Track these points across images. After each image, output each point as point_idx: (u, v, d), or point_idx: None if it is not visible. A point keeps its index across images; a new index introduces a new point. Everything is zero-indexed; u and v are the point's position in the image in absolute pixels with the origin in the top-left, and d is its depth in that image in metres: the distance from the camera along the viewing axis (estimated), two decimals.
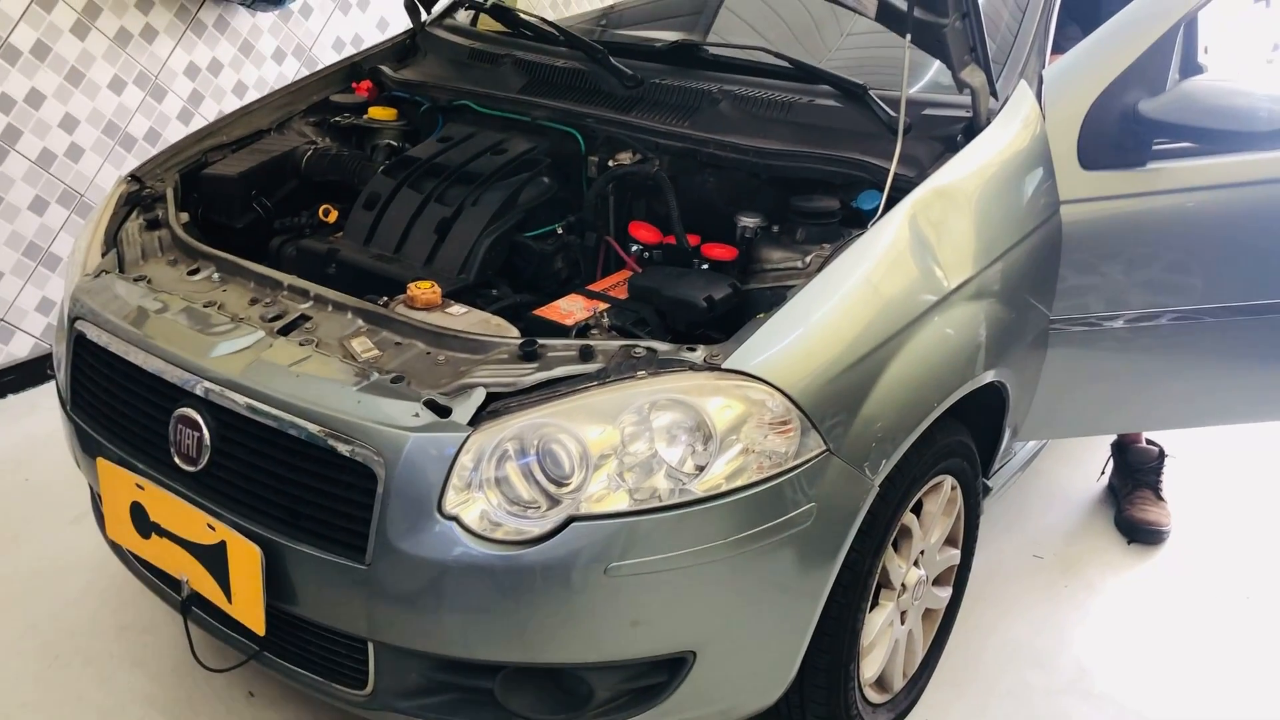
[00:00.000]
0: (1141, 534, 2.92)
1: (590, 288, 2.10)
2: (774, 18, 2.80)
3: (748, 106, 2.26)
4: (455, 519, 1.61)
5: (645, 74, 2.41)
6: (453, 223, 2.17)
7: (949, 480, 2.16)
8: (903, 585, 2.10)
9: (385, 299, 1.94)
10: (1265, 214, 2.25)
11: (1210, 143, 2.21)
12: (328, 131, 2.66)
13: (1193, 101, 2.14)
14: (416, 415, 1.64)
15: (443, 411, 1.64)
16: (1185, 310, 2.29)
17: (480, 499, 1.62)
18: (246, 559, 1.76)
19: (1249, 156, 2.22)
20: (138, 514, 1.93)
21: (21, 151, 3.38)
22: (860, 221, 2.01)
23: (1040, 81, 2.17)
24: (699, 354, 1.69)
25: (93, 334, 2.02)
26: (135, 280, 2.07)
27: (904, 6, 1.93)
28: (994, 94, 2.06)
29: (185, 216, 2.27)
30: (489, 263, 2.15)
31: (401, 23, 4.01)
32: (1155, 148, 2.20)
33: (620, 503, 1.61)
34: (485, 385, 1.67)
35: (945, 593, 2.33)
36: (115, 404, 1.99)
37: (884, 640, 2.12)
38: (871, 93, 2.14)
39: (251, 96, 3.87)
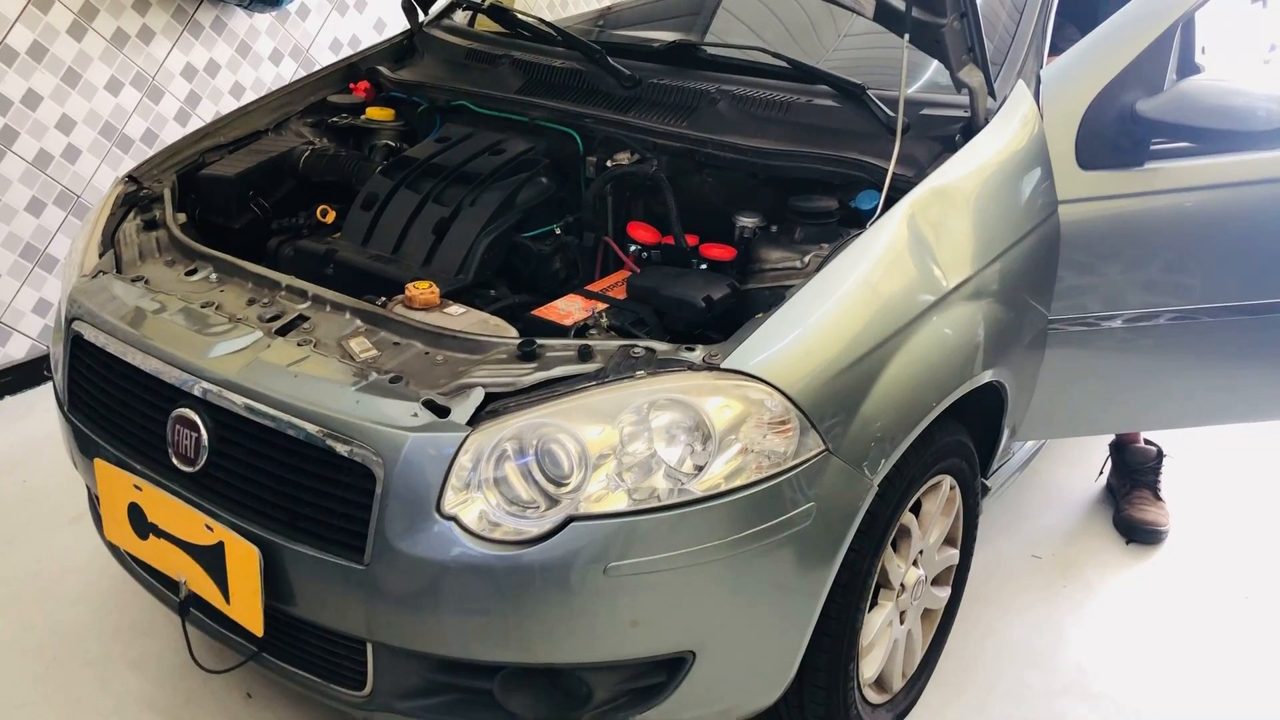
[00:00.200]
0: (1140, 534, 2.92)
1: (589, 288, 2.10)
2: (771, 18, 2.81)
3: (746, 106, 2.26)
4: (454, 519, 1.61)
5: (643, 74, 2.41)
6: (451, 223, 2.17)
7: (948, 480, 2.15)
8: (902, 585, 2.10)
9: (383, 299, 1.94)
10: (1263, 214, 2.25)
11: (1208, 142, 2.21)
12: (325, 132, 2.66)
13: (1190, 101, 2.14)
14: (415, 415, 1.63)
15: (441, 411, 1.64)
16: (1183, 310, 2.30)
17: (479, 499, 1.62)
18: (245, 560, 1.75)
19: (1246, 156, 2.22)
20: (135, 515, 1.93)
21: (18, 153, 3.37)
22: (859, 221, 2.01)
23: (1038, 81, 2.17)
24: (698, 354, 1.69)
25: (90, 334, 2.01)
26: (133, 281, 2.06)
27: (902, 6, 1.94)
28: (992, 94, 2.07)
29: (183, 217, 2.27)
30: (487, 263, 2.14)
31: (399, 24, 4.02)
32: (1153, 148, 2.20)
33: (619, 503, 1.61)
34: (484, 385, 1.67)
35: (944, 593, 2.33)
36: (113, 405, 1.98)
37: (883, 640, 2.11)
38: (869, 93, 2.15)
39: (249, 98, 3.85)
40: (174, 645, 2.40)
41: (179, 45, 3.72)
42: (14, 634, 2.45)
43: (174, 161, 2.45)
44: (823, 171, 2.11)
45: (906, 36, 1.95)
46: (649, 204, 2.32)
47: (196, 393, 1.81)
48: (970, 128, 2.08)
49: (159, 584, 2.06)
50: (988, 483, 2.39)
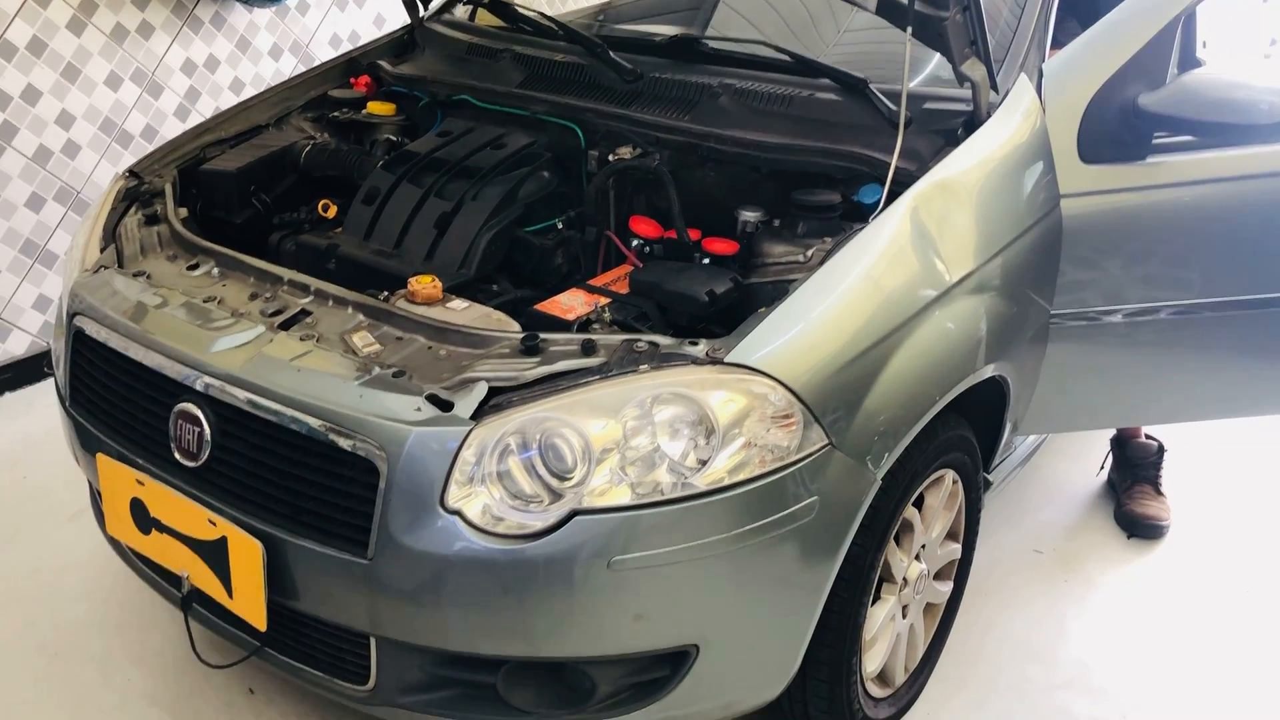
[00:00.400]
0: (1141, 529, 2.92)
1: (591, 282, 2.09)
2: (772, 12, 2.80)
3: (748, 100, 2.26)
4: (458, 513, 1.61)
5: (645, 68, 2.40)
6: (453, 217, 2.16)
7: (950, 474, 2.16)
8: (904, 579, 2.10)
9: (386, 294, 1.94)
10: (1265, 208, 2.25)
11: (1210, 136, 2.20)
12: (326, 127, 2.66)
13: (1192, 95, 2.14)
14: (418, 410, 1.63)
15: (445, 406, 1.64)
16: (1184, 304, 2.30)
17: (483, 493, 1.62)
18: (248, 554, 1.75)
19: (1249, 150, 2.22)
20: (138, 510, 1.92)
21: (18, 148, 3.37)
22: (861, 215, 2.01)
23: (1040, 75, 2.17)
24: (701, 348, 1.69)
25: (92, 329, 2.01)
26: (134, 275, 2.06)
27: (905, 0, 1.93)
28: (994, 88, 2.06)
29: (184, 212, 2.26)
30: (489, 258, 2.14)
31: (398, 19, 4.01)
32: (1155, 141, 2.20)
33: (622, 497, 1.61)
34: (487, 380, 1.67)
35: (946, 587, 2.33)
36: (115, 400, 1.98)
37: (886, 634, 2.11)
38: (872, 86, 2.14)
39: (248, 93, 3.85)
40: (176, 640, 2.40)
41: (179, 40, 3.72)
42: (15, 630, 2.45)
43: (175, 156, 2.45)
44: (825, 165, 2.11)
45: (909, 30, 1.95)
46: (651, 198, 2.32)
47: (199, 387, 1.80)
48: (972, 121, 2.08)
49: (161, 579, 2.06)
50: (990, 477, 2.39)
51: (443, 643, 1.70)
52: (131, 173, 2.40)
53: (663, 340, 1.72)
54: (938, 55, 2.08)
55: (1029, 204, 2.11)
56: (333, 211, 2.38)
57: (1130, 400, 2.45)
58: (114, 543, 2.18)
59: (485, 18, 2.89)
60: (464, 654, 1.71)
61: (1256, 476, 3.24)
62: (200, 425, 1.80)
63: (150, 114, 3.70)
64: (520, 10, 2.74)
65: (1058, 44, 2.28)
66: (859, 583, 1.89)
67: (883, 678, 2.17)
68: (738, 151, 2.19)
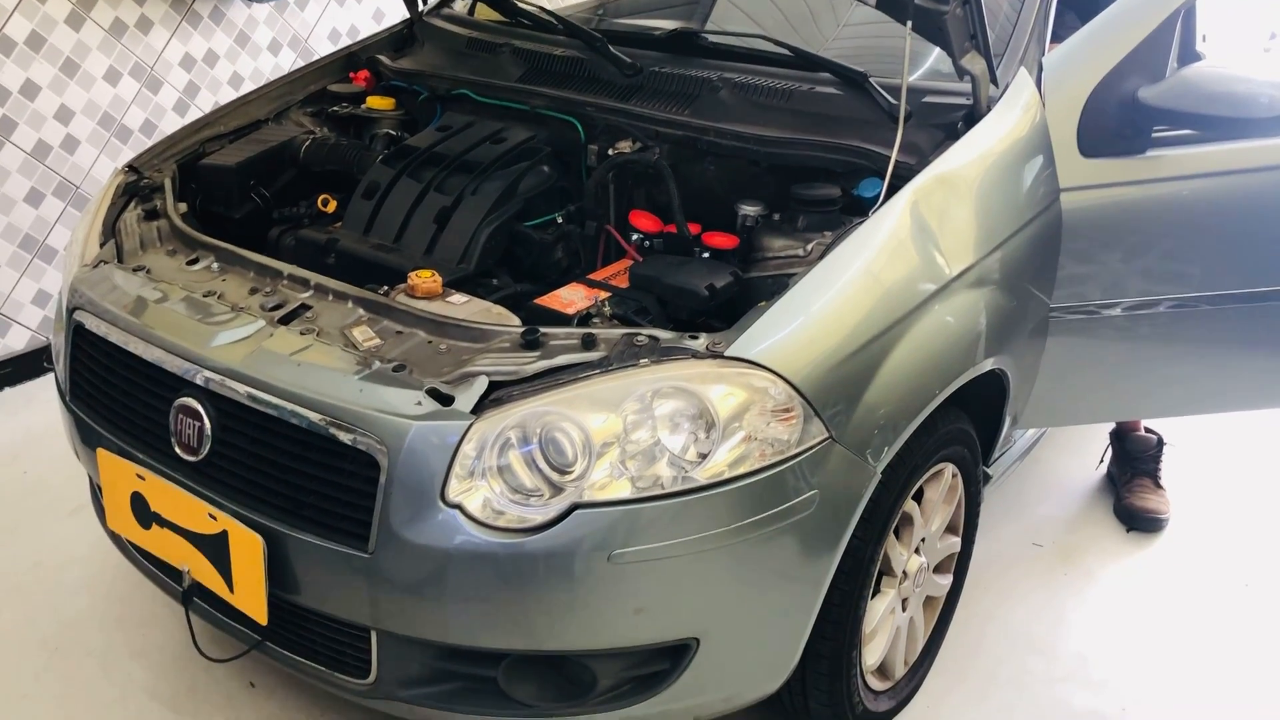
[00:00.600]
0: (1140, 522, 2.93)
1: (591, 276, 2.09)
2: (771, 6, 2.80)
3: (747, 94, 2.26)
4: (458, 507, 1.61)
5: (644, 62, 2.40)
6: (452, 212, 2.16)
7: (950, 468, 2.16)
8: (904, 573, 2.11)
9: (385, 288, 1.93)
10: (1264, 201, 2.25)
11: (1210, 130, 2.20)
12: (325, 121, 2.66)
13: (1192, 88, 2.14)
14: (419, 404, 1.63)
15: (445, 400, 1.64)
16: (1183, 298, 2.30)
17: (483, 487, 1.62)
18: (248, 548, 1.75)
19: (1249, 144, 2.22)
20: (138, 504, 1.93)
21: (17, 143, 3.37)
22: (861, 209, 2.01)
23: (1040, 69, 2.16)
24: (701, 342, 1.69)
25: (92, 324, 2.01)
26: (134, 270, 2.06)
27: None
28: (994, 81, 2.06)
29: (184, 206, 2.26)
30: (489, 252, 2.14)
31: (397, 14, 4.00)
32: (1155, 135, 2.20)
33: (623, 490, 1.61)
34: (487, 374, 1.67)
35: (946, 580, 2.33)
36: (115, 394, 1.98)
37: (885, 628, 2.12)
38: (871, 80, 2.14)
39: (247, 88, 3.85)
40: (177, 635, 2.40)
41: (177, 35, 3.71)
42: (16, 625, 2.45)
43: (174, 151, 2.45)
44: (825, 159, 2.11)
45: (909, 24, 1.94)
46: (651, 192, 2.32)
47: (199, 382, 1.81)
48: (972, 115, 2.08)
49: (162, 574, 2.06)
50: (989, 471, 2.39)
51: (443, 636, 1.70)
52: (131, 168, 2.40)
53: (663, 334, 1.73)
54: (937, 49, 2.08)
55: (1029, 198, 2.11)
56: (332, 206, 2.38)
57: (1129, 394, 2.45)
58: (114, 537, 2.18)
59: (484, 12, 2.89)
60: (465, 647, 1.71)
61: (1256, 470, 3.24)
62: (200, 420, 1.80)
63: (149, 109, 3.70)
64: (519, 4, 2.73)
65: (1057, 38, 2.27)
66: (859, 576, 1.89)
67: (882, 671, 2.18)
68: (737, 145, 2.19)
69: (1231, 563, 2.82)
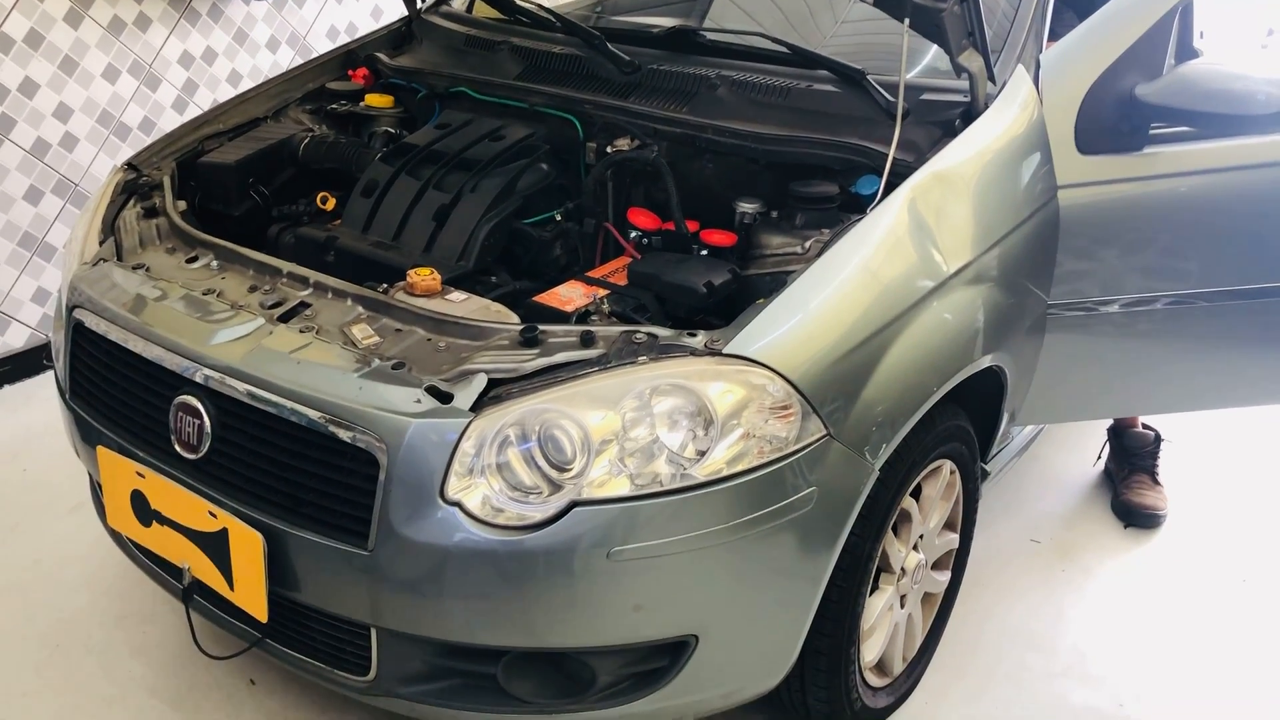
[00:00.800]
0: (1138, 518, 2.93)
1: (590, 274, 2.10)
2: (769, 3, 2.80)
3: (745, 92, 2.26)
4: (458, 504, 1.61)
5: (642, 60, 2.40)
6: (451, 209, 2.17)
7: (948, 464, 2.16)
8: (902, 569, 2.11)
9: (385, 286, 1.94)
10: (1262, 198, 2.25)
11: (1207, 127, 2.21)
12: (324, 119, 2.66)
13: (1190, 85, 2.14)
14: (418, 401, 1.64)
15: (444, 397, 1.64)
16: (1181, 294, 2.30)
17: (482, 484, 1.62)
18: (248, 546, 1.76)
19: (1246, 140, 2.22)
20: (138, 502, 1.93)
21: (16, 141, 3.37)
22: (859, 206, 2.01)
23: (1038, 66, 2.17)
24: (699, 339, 1.69)
25: (91, 322, 2.02)
26: (134, 268, 2.06)
27: None
28: (992, 79, 2.06)
29: (183, 204, 2.26)
30: (488, 249, 2.14)
31: (395, 11, 4.01)
32: (1152, 132, 2.20)
33: (622, 488, 1.61)
34: (486, 371, 1.67)
35: (944, 577, 2.34)
36: (115, 392, 1.98)
37: (884, 624, 2.12)
38: (869, 78, 2.14)
39: (246, 85, 3.84)
40: (177, 632, 2.40)
41: (176, 32, 3.71)
42: (16, 622, 2.45)
43: (173, 149, 2.45)
44: (823, 157, 2.11)
45: (906, 21, 1.95)
46: (649, 190, 2.32)
47: (199, 380, 1.81)
48: (970, 113, 2.08)
49: (162, 571, 2.07)
50: (987, 467, 2.40)
51: (443, 633, 1.70)
52: (130, 165, 2.40)
53: (661, 332, 1.73)
54: (935, 46, 2.08)
55: (1026, 195, 2.11)
56: (331, 204, 2.38)
57: (1127, 390, 2.46)
58: (114, 535, 2.18)
59: (483, 9, 2.88)
60: (464, 644, 1.72)
61: (1253, 466, 3.25)
62: (200, 417, 1.80)
63: (148, 106, 3.70)
64: (518, 2, 2.73)
65: (1055, 35, 2.28)
66: (857, 573, 1.90)
67: (881, 667, 2.18)
68: (735, 143, 2.19)
69: (1229, 558, 2.83)
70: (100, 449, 1.98)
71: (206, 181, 2.40)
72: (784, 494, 1.69)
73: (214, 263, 2.04)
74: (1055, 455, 3.24)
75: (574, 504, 1.60)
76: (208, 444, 1.80)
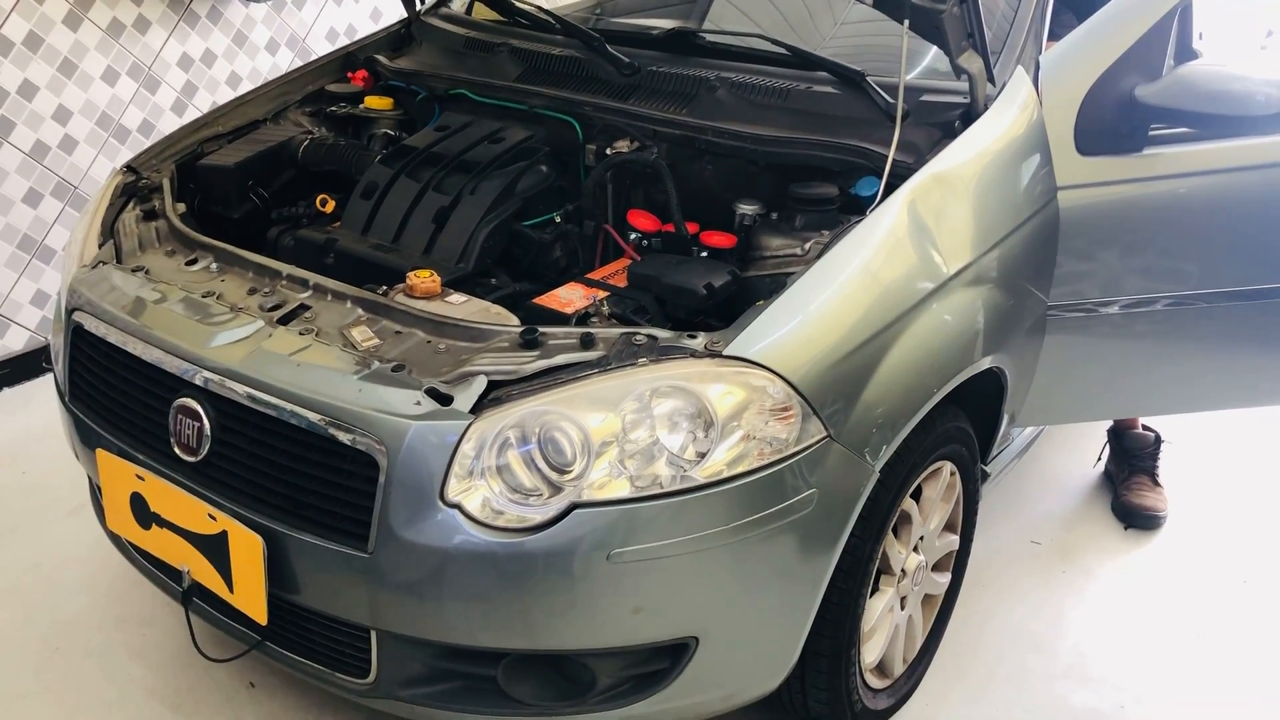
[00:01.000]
0: (1138, 519, 2.93)
1: (589, 276, 2.10)
2: (768, 5, 2.80)
3: (745, 93, 2.26)
4: (458, 507, 1.61)
5: (642, 61, 2.40)
6: (451, 211, 2.17)
7: (948, 466, 2.16)
8: (903, 571, 2.11)
9: (384, 288, 1.94)
10: (1261, 199, 2.26)
11: (1206, 128, 2.21)
12: (324, 121, 2.66)
13: (1189, 86, 2.14)
14: (418, 403, 1.64)
15: (444, 400, 1.64)
16: (1181, 295, 2.30)
17: (482, 487, 1.62)
18: (248, 548, 1.76)
19: (1245, 141, 2.22)
20: (138, 505, 1.93)
21: (15, 144, 3.37)
22: (859, 208, 2.01)
23: (1037, 67, 2.17)
24: (699, 341, 1.69)
25: (91, 325, 2.01)
26: (133, 271, 2.06)
27: None
28: (991, 80, 2.06)
29: (182, 207, 2.26)
30: (488, 251, 2.14)
31: (394, 13, 4.01)
32: (1152, 133, 2.20)
33: (622, 490, 1.61)
34: (486, 373, 1.67)
35: (944, 578, 2.34)
36: (114, 395, 1.98)
37: (884, 626, 2.12)
38: (869, 79, 2.14)
39: (245, 87, 3.85)
40: (176, 635, 2.40)
41: (175, 35, 3.71)
42: (15, 625, 2.45)
43: (172, 151, 2.45)
44: (822, 158, 2.11)
45: (906, 23, 1.95)
46: (649, 192, 2.32)
47: (198, 382, 1.81)
48: (970, 114, 2.08)
49: (161, 574, 2.06)
50: (987, 469, 2.40)
51: (443, 636, 1.70)
52: (129, 168, 2.40)
53: (661, 333, 1.73)
54: (935, 48, 2.08)
55: (1026, 196, 2.11)
56: (331, 206, 2.38)
57: (1127, 391, 2.46)
58: (114, 537, 2.18)
59: (482, 11, 2.89)
60: (464, 647, 1.72)
61: (1253, 467, 3.25)
62: (200, 420, 1.80)
63: (147, 109, 3.70)
64: (517, 4, 2.74)
65: (1054, 36, 2.28)
66: (857, 574, 1.89)
67: (881, 669, 2.18)
68: (735, 145, 2.19)
69: (1229, 560, 2.82)
70: (100, 452, 1.98)
71: (206, 184, 2.40)
72: (784, 496, 1.68)
73: (213, 265, 2.04)
74: (1055, 457, 3.24)
75: (574, 506, 1.60)
76: (207, 446, 1.80)
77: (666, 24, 2.66)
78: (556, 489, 1.62)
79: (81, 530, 2.72)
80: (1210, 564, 2.81)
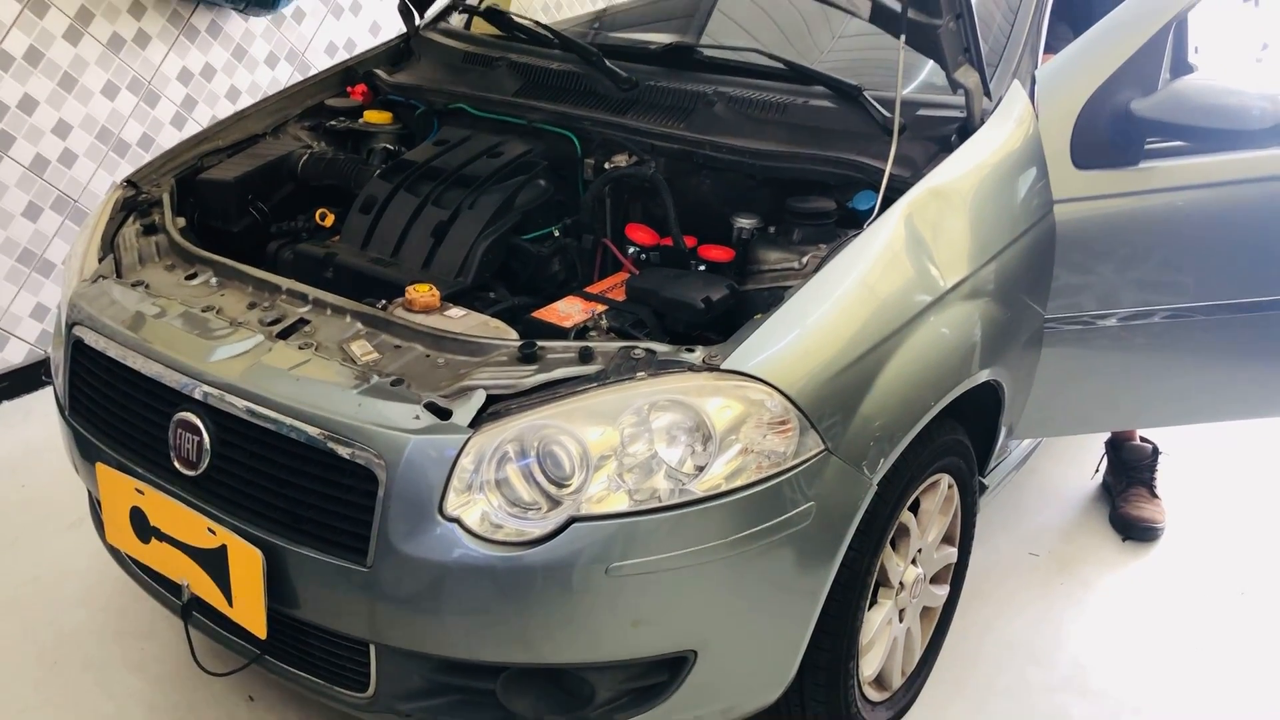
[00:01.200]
0: (1136, 531, 2.94)
1: (588, 290, 2.10)
2: (766, 19, 2.81)
3: (742, 108, 2.27)
4: (456, 521, 1.61)
5: (640, 76, 2.41)
6: (450, 226, 2.17)
7: (946, 479, 2.17)
8: (901, 583, 2.11)
9: (383, 302, 1.94)
10: (1257, 212, 2.27)
11: (1202, 141, 2.22)
12: (323, 135, 2.66)
13: (1184, 100, 2.15)
14: (417, 418, 1.64)
15: (443, 414, 1.64)
16: (1178, 308, 2.31)
17: (481, 500, 1.62)
18: (248, 562, 1.76)
19: (1240, 155, 2.24)
20: (137, 519, 1.93)
21: (15, 158, 3.37)
22: (856, 222, 2.02)
23: (1033, 81, 2.18)
24: (697, 355, 1.70)
25: (91, 339, 2.02)
26: (133, 285, 2.07)
27: (897, 8, 1.95)
28: (988, 94, 2.08)
29: (182, 221, 2.27)
30: (486, 265, 2.15)
31: (394, 27, 4.01)
32: (1148, 147, 2.21)
33: (620, 503, 1.61)
34: (485, 387, 1.68)
35: (943, 591, 2.34)
36: (114, 409, 1.99)
37: (883, 638, 2.12)
38: (866, 93, 2.15)
39: (245, 101, 3.86)
40: (176, 649, 2.40)
41: (175, 49, 3.72)
42: (14, 638, 2.45)
43: (172, 166, 2.45)
44: (820, 172, 2.12)
45: (902, 37, 1.96)
46: (647, 206, 2.33)
47: (198, 396, 1.81)
48: (966, 128, 2.09)
49: (161, 587, 2.07)
50: (985, 481, 2.40)
51: (442, 649, 1.70)
52: (129, 182, 2.41)
53: (659, 347, 1.73)
54: (931, 62, 2.09)
55: (1023, 210, 2.12)
56: (330, 220, 2.38)
57: (1125, 404, 2.46)
58: (113, 551, 2.18)
59: (481, 26, 2.90)
60: (463, 661, 1.72)
61: (1251, 479, 3.25)
62: (199, 434, 1.80)
63: (147, 123, 3.71)
64: (516, 19, 2.75)
65: (1049, 50, 2.29)
66: (855, 587, 1.90)
67: (880, 681, 2.18)
68: (733, 159, 2.20)
69: (1227, 571, 2.83)
70: (99, 465, 1.98)
71: (205, 198, 2.41)
72: (782, 509, 1.69)
73: (213, 279, 2.05)
74: (1053, 469, 3.24)
75: (573, 520, 1.60)
76: (207, 460, 1.81)
77: (664, 39, 2.68)
78: (555, 503, 1.62)
79: (81, 544, 2.72)
80: (1208, 575, 2.81)
